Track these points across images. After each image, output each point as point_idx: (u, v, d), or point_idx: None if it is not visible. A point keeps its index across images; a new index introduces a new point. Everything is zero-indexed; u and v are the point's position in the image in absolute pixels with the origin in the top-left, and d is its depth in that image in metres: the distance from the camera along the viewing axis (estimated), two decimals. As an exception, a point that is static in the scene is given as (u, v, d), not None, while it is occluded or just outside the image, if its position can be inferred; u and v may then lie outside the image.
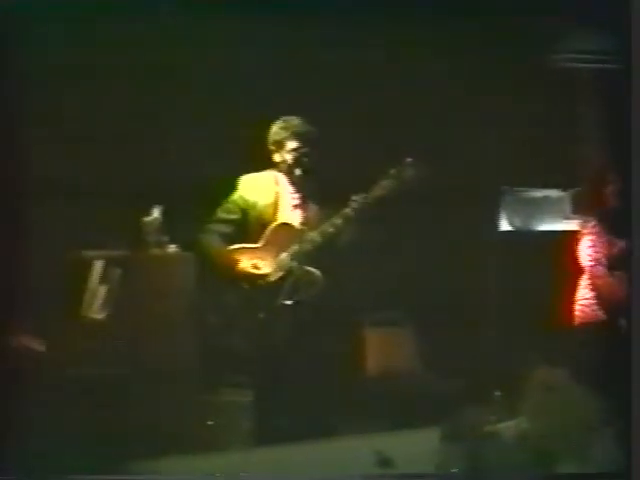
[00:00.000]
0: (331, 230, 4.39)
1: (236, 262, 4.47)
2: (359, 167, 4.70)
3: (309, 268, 4.44)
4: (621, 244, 4.67)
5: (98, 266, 4.61)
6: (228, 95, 5.15)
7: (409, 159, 4.43)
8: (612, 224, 4.70)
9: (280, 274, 4.45)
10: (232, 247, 4.51)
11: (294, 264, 4.42)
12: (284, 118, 4.53)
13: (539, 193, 5.45)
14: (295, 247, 4.44)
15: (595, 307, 4.67)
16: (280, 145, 4.52)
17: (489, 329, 5.41)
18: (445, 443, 2.83)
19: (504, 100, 5.38)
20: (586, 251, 4.69)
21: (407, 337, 5.55)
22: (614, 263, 4.67)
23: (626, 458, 2.85)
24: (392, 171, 4.43)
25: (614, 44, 4.69)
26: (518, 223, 5.49)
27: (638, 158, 3.36)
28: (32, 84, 4.58)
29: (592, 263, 4.67)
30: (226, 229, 4.54)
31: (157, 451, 3.45)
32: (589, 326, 4.62)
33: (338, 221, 4.39)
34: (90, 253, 4.64)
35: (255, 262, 4.46)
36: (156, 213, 4.68)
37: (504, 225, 5.51)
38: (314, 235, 4.42)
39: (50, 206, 4.67)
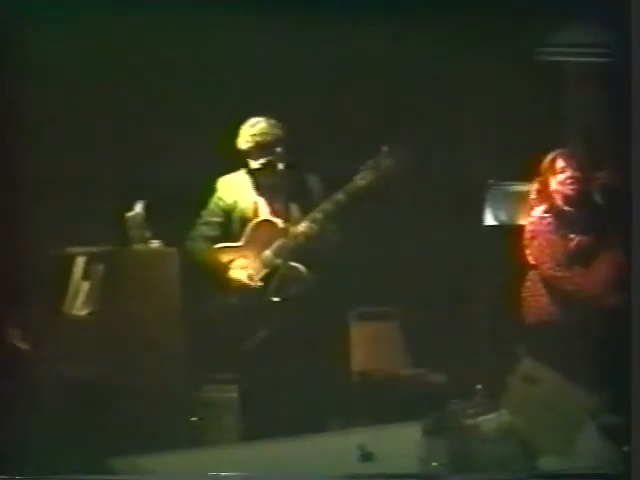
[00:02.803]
0: (312, 224, 4.35)
1: (221, 261, 4.46)
2: (338, 161, 4.68)
3: (294, 264, 4.41)
4: (577, 240, 4.64)
5: (80, 262, 4.59)
6: (210, 94, 5.16)
7: (385, 148, 4.38)
8: (568, 219, 4.64)
9: (265, 271, 4.43)
10: (216, 247, 4.50)
11: (279, 261, 4.40)
12: (251, 122, 4.47)
13: (519, 187, 5.43)
14: (278, 243, 4.41)
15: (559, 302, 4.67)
16: (248, 153, 4.47)
17: (473, 323, 5.42)
18: (427, 437, 2.79)
19: (487, 93, 5.41)
20: (543, 251, 4.67)
21: (392, 332, 5.56)
22: (573, 258, 4.64)
23: (626, 458, 2.82)
24: (370, 162, 4.38)
25: (612, 39, 4.68)
26: (503, 217, 5.47)
27: (638, 156, 3.32)
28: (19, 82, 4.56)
29: (551, 264, 4.63)
30: (211, 232, 4.54)
31: (149, 449, 3.43)
32: (566, 321, 4.61)
33: (319, 215, 4.35)
34: (72, 249, 4.62)
35: (239, 260, 4.45)
36: (139, 208, 4.65)
37: (490, 220, 5.50)
38: (296, 231, 4.38)
39: (31, 202, 4.64)
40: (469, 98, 5.49)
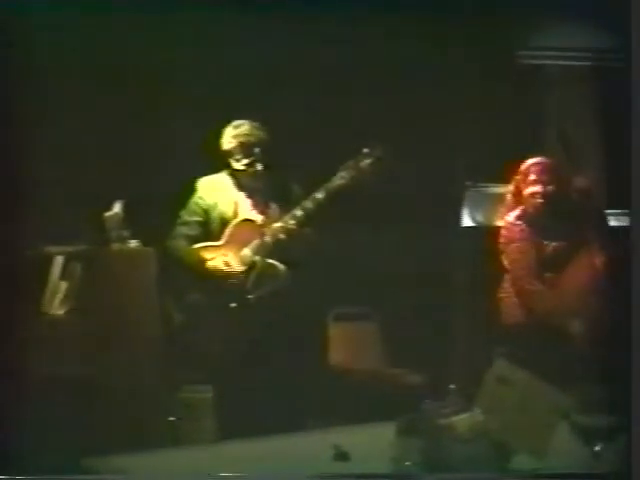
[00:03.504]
0: (292, 222, 4.40)
1: (200, 259, 4.48)
2: (319, 161, 4.71)
3: (272, 261, 4.44)
4: (551, 246, 4.64)
5: (59, 261, 4.57)
6: (191, 95, 5.16)
7: (366, 150, 4.44)
8: (541, 225, 4.64)
9: (243, 268, 4.44)
10: (196, 246, 4.52)
11: (257, 258, 4.43)
12: (235, 124, 4.53)
13: (496, 189, 5.44)
14: (257, 241, 4.44)
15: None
16: (230, 153, 4.53)
17: (448, 324, 5.42)
18: (401, 436, 2.79)
19: (472, 94, 5.41)
20: (515, 259, 4.66)
21: (368, 332, 5.57)
22: (543, 267, 4.63)
23: (626, 458, 2.81)
24: (349, 162, 4.45)
25: (606, 44, 4.68)
26: (480, 219, 5.48)
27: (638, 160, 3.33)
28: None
29: (523, 272, 4.62)
30: (191, 231, 4.56)
31: (133, 449, 3.42)
32: (540, 322, 4.61)
33: (298, 213, 4.40)
34: (51, 248, 4.60)
35: (218, 258, 4.46)
36: (117, 208, 4.64)
37: (467, 221, 5.50)
38: (275, 229, 4.41)
39: (10, 202, 4.62)
40: (450, 100, 5.49)
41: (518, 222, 4.64)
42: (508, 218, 4.69)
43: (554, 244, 4.60)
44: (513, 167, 4.70)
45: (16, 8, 4.14)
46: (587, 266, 4.59)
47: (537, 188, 4.59)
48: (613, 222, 4.91)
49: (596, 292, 4.54)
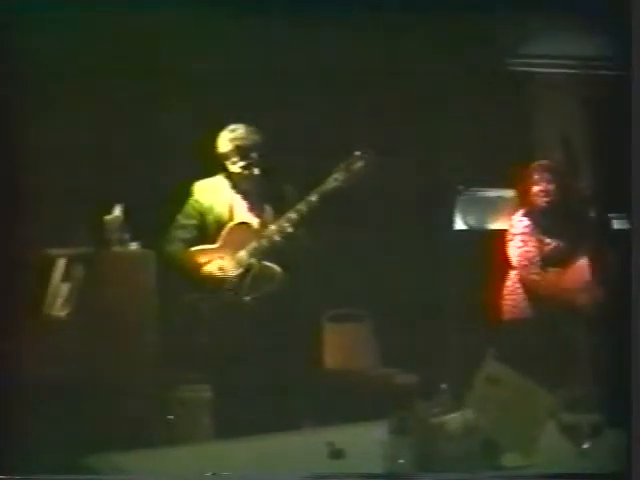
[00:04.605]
0: (286, 225, 4.40)
1: (197, 262, 4.48)
2: (313, 164, 4.72)
3: (267, 263, 4.45)
4: (554, 243, 4.72)
5: (61, 264, 4.59)
6: (188, 98, 5.17)
7: (358, 152, 4.45)
8: (544, 224, 4.73)
9: (239, 271, 4.45)
10: (192, 249, 4.52)
11: (252, 260, 4.44)
12: (231, 128, 4.53)
13: (488, 193, 5.48)
14: (253, 244, 4.45)
15: (529, 303, 4.74)
16: (226, 156, 4.53)
17: (441, 325, 5.44)
18: (394, 435, 2.81)
19: (462, 99, 5.43)
20: (518, 251, 4.73)
21: (361, 333, 5.58)
22: (547, 262, 4.72)
23: (626, 458, 2.82)
24: (342, 165, 4.45)
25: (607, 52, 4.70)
26: (472, 222, 5.52)
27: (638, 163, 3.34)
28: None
29: (525, 263, 4.71)
30: (187, 234, 4.57)
31: (129, 447, 3.42)
32: (533, 321, 4.68)
33: (293, 216, 4.40)
34: (52, 251, 4.61)
35: (215, 261, 4.47)
36: (117, 211, 4.66)
37: (458, 224, 5.53)
38: (271, 232, 4.43)
39: (11, 205, 4.63)
40: (448, 103, 5.51)
41: (523, 218, 4.76)
42: (514, 216, 4.80)
43: (555, 243, 4.70)
44: (514, 171, 4.79)
45: (16, 7, 4.13)
46: (584, 266, 4.67)
47: (541, 187, 4.68)
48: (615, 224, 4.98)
49: (591, 291, 4.61)
